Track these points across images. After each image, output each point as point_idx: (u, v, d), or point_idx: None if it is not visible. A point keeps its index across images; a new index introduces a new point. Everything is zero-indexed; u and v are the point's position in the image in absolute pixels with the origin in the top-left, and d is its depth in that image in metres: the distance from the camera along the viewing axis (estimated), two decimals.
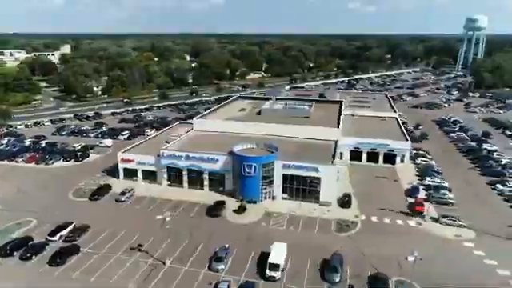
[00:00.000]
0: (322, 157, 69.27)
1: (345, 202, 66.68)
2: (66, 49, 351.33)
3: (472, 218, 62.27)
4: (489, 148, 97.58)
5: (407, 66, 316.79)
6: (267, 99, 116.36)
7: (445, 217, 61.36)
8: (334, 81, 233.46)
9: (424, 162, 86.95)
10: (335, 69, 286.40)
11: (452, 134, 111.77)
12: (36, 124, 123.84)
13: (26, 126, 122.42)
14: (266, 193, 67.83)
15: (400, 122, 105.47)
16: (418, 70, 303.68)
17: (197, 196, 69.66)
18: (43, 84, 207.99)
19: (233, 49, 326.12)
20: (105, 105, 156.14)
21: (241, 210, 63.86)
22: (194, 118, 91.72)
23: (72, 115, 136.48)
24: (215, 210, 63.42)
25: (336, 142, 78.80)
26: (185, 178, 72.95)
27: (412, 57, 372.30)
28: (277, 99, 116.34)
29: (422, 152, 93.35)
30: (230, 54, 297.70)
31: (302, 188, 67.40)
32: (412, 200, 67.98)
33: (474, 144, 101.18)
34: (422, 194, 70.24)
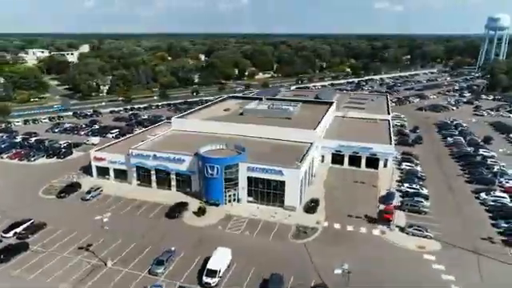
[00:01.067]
0: (290, 159, 66.91)
1: (310, 207, 64.22)
2: (85, 48, 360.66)
3: (443, 229, 58.67)
4: (485, 154, 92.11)
5: (423, 67, 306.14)
6: (257, 99, 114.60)
7: (411, 226, 57.85)
8: (342, 81, 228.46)
9: (408, 168, 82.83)
10: (348, 69, 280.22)
11: (449, 139, 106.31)
12: (34, 121, 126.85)
13: (25, 122, 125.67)
14: (229, 195, 66.24)
15: (391, 124, 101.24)
16: (435, 70, 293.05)
17: (162, 196, 68.83)
18: (55, 82, 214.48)
19: (246, 49, 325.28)
20: (103, 103, 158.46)
21: (200, 212, 62.52)
22: (173, 118, 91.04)
23: (71, 113, 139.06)
24: (175, 211, 62.31)
25: (311, 144, 76.11)
26: (153, 177, 72.35)
27: (432, 57, 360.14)
28: (267, 99, 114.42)
29: (408, 157, 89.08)
30: (242, 53, 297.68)
31: (267, 191, 65.36)
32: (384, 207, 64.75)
33: (469, 149, 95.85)
34: (396, 201, 66.77)
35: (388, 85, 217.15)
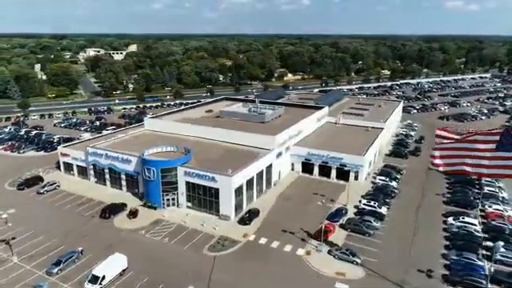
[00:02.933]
0: (235, 166, 63.60)
1: (245, 218, 60.57)
2: (133, 48, 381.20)
3: (381, 255, 52.10)
4: None
5: (474, 71, 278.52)
6: (251, 101, 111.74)
7: (339, 249, 51.95)
8: (371, 85, 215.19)
9: (382, 182, 75.05)
10: (387, 71, 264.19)
11: None
12: (50, 116, 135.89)
13: (41, 116, 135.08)
14: (168, 199, 64.81)
15: (392, 133, 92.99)
16: (487, 75, 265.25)
17: (110, 195, 69.25)
18: (93, 80, 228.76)
19: (284, 49, 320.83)
20: (116, 100, 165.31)
21: (132, 214, 61.84)
22: (145, 117, 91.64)
23: (86, 109, 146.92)
24: (105, 211, 62.22)
25: (270, 150, 72.00)
26: (107, 176, 73.25)
27: (491, 60, 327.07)
28: (260, 102, 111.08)
29: (389, 170, 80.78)
30: (279, 54, 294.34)
31: (204, 198, 62.91)
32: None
33: None
34: (342, 220, 60.68)
35: (422, 90, 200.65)
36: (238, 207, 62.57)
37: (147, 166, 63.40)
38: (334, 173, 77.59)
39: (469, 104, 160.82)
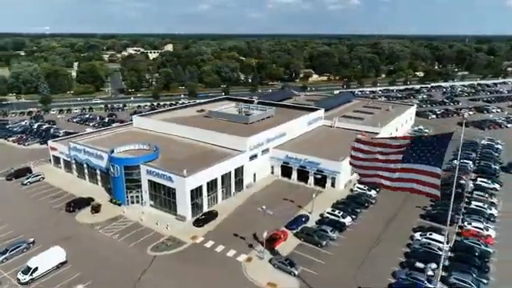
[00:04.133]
0: (199, 166, 63.10)
1: (200, 219, 59.86)
2: (169, 47, 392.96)
3: (327, 268, 49.27)
4: (483, 184, 73.76)
5: None
6: (249, 102, 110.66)
7: (279, 258, 49.69)
8: (398, 87, 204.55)
9: (359, 191, 70.92)
10: (421, 73, 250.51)
11: (455, 161, 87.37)
12: (68, 111, 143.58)
13: (60, 111, 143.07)
14: (132, 196, 65.69)
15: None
16: None
17: (85, 190, 71.44)
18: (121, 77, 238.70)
19: (314, 49, 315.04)
20: (132, 98, 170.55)
21: (94, 209, 63.36)
22: (134, 115, 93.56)
23: (103, 105, 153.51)
24: (72, 205, 64.19)
25: (241, 152, 70.73)
26: (85, 171, 75.77)
27: None
28: (258, 103, 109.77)
29: None
30: (308, 54, 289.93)
31: (164, 197, 63.03)
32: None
33: (464, 177, 77.56)
34: (300, 228, 58.02)
35: (452, 94, 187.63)
36: (196, 208, 62.00)
37: (112, 162, 64.74)
38: (311, 178, 74.63)
39: (498, 110, 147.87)
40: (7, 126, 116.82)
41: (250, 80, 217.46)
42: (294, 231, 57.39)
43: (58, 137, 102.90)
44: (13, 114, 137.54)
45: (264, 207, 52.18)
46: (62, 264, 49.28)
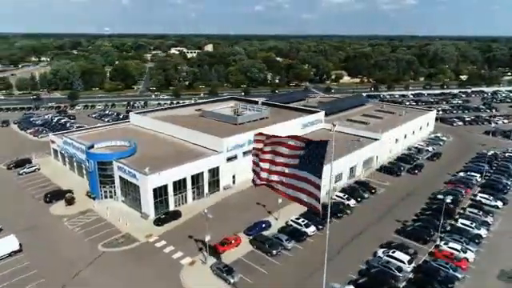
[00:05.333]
0: (166, 165, 63.01)
1: (161, 219, 59.63)
2: (209, 47, 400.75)
3: (265, 279, 46.76)
4: (483, 200, 66.26)
5: None
6: (254, 102, 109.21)
7: (218, 264, 47.83)
8: (433, 91, 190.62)
9: (338, 199, 66.63)
10: (463, 77, 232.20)
11: (461, 174, 79.49)
12: (92, 107, 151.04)
13: (85, 107, 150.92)
14: (106, 191, 67.06)
15: (373, 145, 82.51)
16: None
17: (71, 182, 74.24)
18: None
19: (353, 50, 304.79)
20: (153, 96, 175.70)
21: (67, 202, 65.47)
22: (131, 113, 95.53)
23: (125, 102, 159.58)
24: (49, 197, 66.76)
25: (218, 152, 69.56)
26: (74, 164, 78.75)
27: None
28: (262, 103, 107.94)
29: (356, 186, 71.45)
30: (343, 54, 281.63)
31: (133, 194, 63.60)
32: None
33: (463, 191, 70.03)
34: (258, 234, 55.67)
35: (492, 99, 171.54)
36: (161, 207, 61.83)
37: (87, 157, 66.62)
38: None
39: None
40: (31, 119, 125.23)
41: (276, 80, 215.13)
42: (251, 237, 55.23)
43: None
44: (43, 108, 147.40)
45: (205, 210, 50.57)
46: (16, 252, 51.33)
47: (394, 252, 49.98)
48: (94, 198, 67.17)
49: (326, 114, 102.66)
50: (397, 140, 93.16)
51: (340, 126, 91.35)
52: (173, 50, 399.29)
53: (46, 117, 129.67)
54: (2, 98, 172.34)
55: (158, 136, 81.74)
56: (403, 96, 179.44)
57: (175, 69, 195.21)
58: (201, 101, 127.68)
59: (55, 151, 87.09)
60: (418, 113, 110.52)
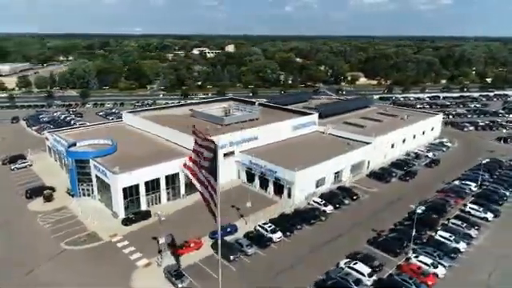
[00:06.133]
0: (138, 164, 62.90)
1: (129, 218, 59.44)
2: (230, 48, 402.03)
3: (214, 285, 45.23)
4: (471, 210, 61.86)
5: None
6: (251, 103, 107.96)
7: (169, 268, 46.86)
8: (452, 94, 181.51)
9: (315, 205, 64.11)
10: (489, 79, 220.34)
11: (456, 182, 74.70)
12: (101, 105, 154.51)
13: (94, 105, 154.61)
14: (83, 189, 67.75)
15: (364, 149, 79.12)
16: None
17: (56, 179, 75.49)
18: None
19: (375, 51, 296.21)
20: (161, 95, 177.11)
21: (46, 198, 66.53)
22: (124, 111, 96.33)
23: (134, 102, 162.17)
24: (29, 193, 68.14)
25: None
26: (63, 161, 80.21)
27: None
28: (259, 105, 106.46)
29: (337, 192, 68.58)
30: (361, 56, 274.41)
31: (106, 193, 63.87)
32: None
33: (451, 201, 65.65)
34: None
35: None
36: (132, 207, 61.69)
37: (66, 155, 67.61)
38: (271, 186, 69.71)
39: None
40: (40, 116, 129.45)
41: (289, 81, 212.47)
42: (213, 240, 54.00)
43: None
44: (54, 106, 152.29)
45: (159, 212, 49.76)
46: None
47: (355, 263, 47.27)
48: (72, 196, 68.08)
49: (324, 116, 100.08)
50: (393, 145, 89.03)
51: (334, 129, 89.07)
52: (194, 51, 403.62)
53: (54, 114, 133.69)
54: (22, 95, 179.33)
55: (145, 135, 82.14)
56: (418, 99, 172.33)
57: (187, 69, 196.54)
58: (199, 101, 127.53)
59: (49, 148, 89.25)
60: (422, 117, 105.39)
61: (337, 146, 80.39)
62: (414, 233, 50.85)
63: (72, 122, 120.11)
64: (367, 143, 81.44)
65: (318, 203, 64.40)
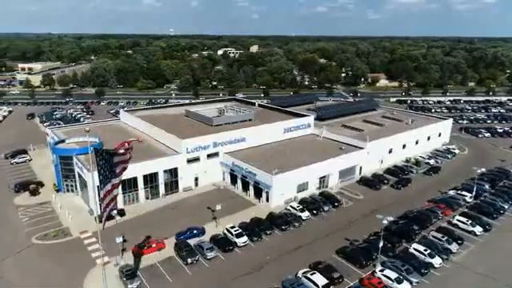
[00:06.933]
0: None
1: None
2: (254, 48, 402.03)
3: (171, 286, 44.80)
4: (459, 224, 57.60)
5: None
6: (251, 104, 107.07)
7: (123, 268, 46.68)
8: (476, 98, 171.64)
9: (292, 210, 62.07)
10: None
11: (450, 192, 70.01)
12: (115, 103, 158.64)
13: (109, 103, 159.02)
14: (68, 185, 69.36)
15: (354, 154, 75.98)
16: None
17: (50, 175, 77.71)
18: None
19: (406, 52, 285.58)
20: (174, 95, 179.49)
21: (32, 192, 68.62)
22: (121, 110, 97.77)
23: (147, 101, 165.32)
24: (18, 186, 70.61)
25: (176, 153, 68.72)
26: None
27: None
28: (259, 106, 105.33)
29: (320, 198, 66.07)
30: (388, 57, 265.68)
31: (85, 189, 64.94)
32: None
33: (440, 214, 61.47)
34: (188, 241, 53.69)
35: None
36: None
37: (52, 151, 69.49)
38: (251, 189, 68.38)
39: None
40: (54, 113, 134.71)
41: (306, 82, 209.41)
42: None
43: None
44: (71, 103, 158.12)
45: (115, 212, 49.73)
46: None
47: (312, 274, 45.12)
48: (57, 191, 69.90)
49: (323, 119, 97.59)
50: (391, 150, 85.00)
51: (328, 132, 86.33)
52: (219, 51, 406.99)
53: (68, 111, 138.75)
54: (44, 92, 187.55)
55: (136, 134, 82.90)
56: (439, 102, 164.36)
57: (202, 69, 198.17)
58: (200, 100, 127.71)
59: (49, 144, 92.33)
60: (428, 121, 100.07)
61: (328, 150, 77.69)
62: (381, 244, 47.84)
63: (81, 120, 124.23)
64: (360, 148, 78.20)
65: (294, 208, 62.33)
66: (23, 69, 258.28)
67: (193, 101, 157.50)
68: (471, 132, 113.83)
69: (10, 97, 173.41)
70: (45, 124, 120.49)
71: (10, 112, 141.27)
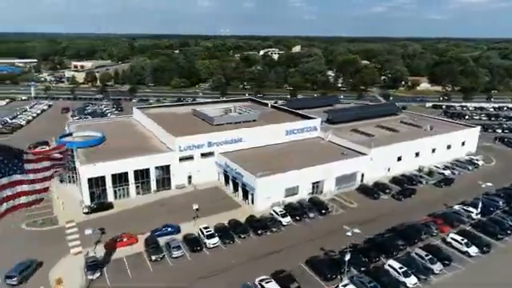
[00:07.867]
0: (116, 157, 66.01)
1: (89, 207, 62.58)
2: (297, 48, 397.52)
3: (125, 282, 45.52)
4: (452, 241, 52.47)
5: None
6: (264, 105, 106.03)
7: (89, 259, 48.05)
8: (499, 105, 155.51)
9: (274, 214, 60.23)
10: None
11: (456, 207, 63.79)
12: (145, 101, 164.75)
13: (139, 100, 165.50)
14: (69, 176, 72.91)
15: (355, 160, 72.16)
16: None
17: None
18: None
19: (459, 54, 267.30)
20: (201, 94, 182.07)
21: None
22: (134, 107, 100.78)
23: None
24: None
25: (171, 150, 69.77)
26: None
27: None
28: (272, 107, 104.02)
29: (305, 204, 63.45)
30: (435, 59, 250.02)
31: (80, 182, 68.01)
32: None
33: (433, 228, 56.32)
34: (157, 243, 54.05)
35: None
36: (98, 197, 64.72)
37: (56, 143, 73.51)
38: (240, 191, 67.51)
39: None
40: (86, 108, 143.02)
41: (338, 84, 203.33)
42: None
43: None
44: (105, 100, 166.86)
45: (83, 205, 51.20)
46: None
47: (268, 282, 43.39)
48: (61, 181, 73.93)
49: (334, 122, 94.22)
50: (400, 158, 79.63)
51: (334, 136, 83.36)
52: (261, 52, 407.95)
53: (100, 107, 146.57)
54: (85, 89, 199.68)
55: (142, 131, 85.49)
56: (480, 109, 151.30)
57: (234, 69, 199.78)
58: (215, 100, 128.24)
59: None
60: (451, 128, 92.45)
61: (329, 155, 74.59)
62: (347, 257, 44.74)
63: (109, 115, 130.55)
64: (363, 154, 74.15)
65: (276, 213, 60.46)
66: (76, 66, 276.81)
67: (222, 99, 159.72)
68: (506, 142, 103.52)
69: (54, 91, 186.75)
70: (74, 118, 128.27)
71: (49, 106, 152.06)
